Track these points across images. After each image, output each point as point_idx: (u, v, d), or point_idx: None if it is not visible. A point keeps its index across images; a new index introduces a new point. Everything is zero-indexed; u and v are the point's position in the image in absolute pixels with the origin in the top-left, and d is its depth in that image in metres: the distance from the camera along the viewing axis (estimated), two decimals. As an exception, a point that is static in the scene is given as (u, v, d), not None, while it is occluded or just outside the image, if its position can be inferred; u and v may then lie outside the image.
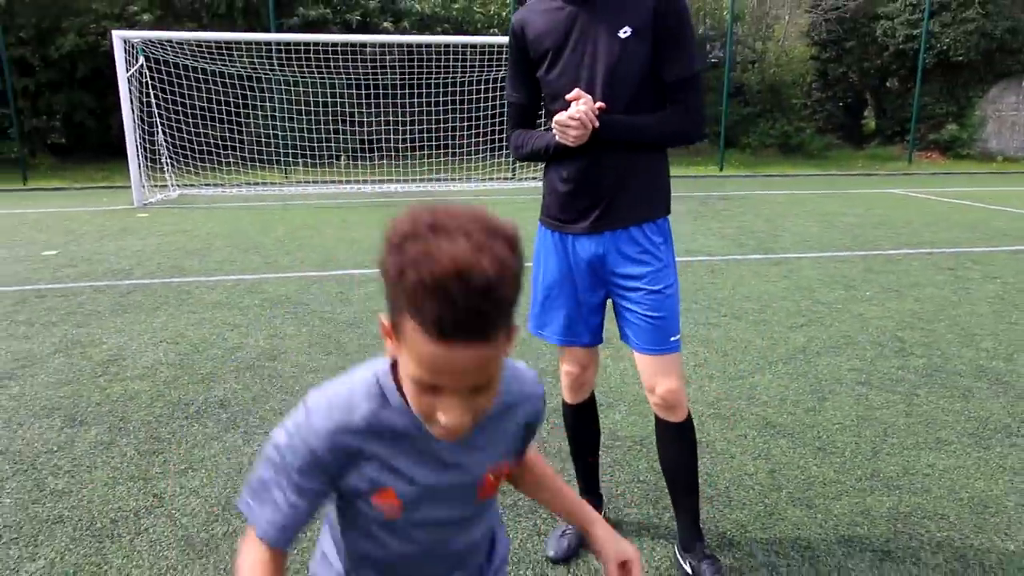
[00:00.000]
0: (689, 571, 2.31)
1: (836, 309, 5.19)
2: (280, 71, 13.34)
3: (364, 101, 13.31)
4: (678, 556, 2.41)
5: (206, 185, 12.39)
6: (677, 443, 2.33)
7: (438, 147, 13.50)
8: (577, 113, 1.95)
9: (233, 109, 12.75)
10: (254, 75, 12.90)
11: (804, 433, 3.26)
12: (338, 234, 8.40)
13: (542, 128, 2.32)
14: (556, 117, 2.03)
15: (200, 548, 2.46)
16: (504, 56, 12.46)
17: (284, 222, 9.35)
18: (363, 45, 12.80)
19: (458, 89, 12.98)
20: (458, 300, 0.73)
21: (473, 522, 1.23)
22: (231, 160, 12.92)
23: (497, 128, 13.07)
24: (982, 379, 3.84)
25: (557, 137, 2.05)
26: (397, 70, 13.08)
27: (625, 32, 2.04)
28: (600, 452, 2.61)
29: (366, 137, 13.73)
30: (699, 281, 5.98)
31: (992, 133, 18.49)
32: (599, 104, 2.00)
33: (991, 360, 4.13)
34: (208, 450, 3.17)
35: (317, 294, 5.72)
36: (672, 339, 2.17)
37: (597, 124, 1.99)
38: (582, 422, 2.56)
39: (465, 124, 13.18)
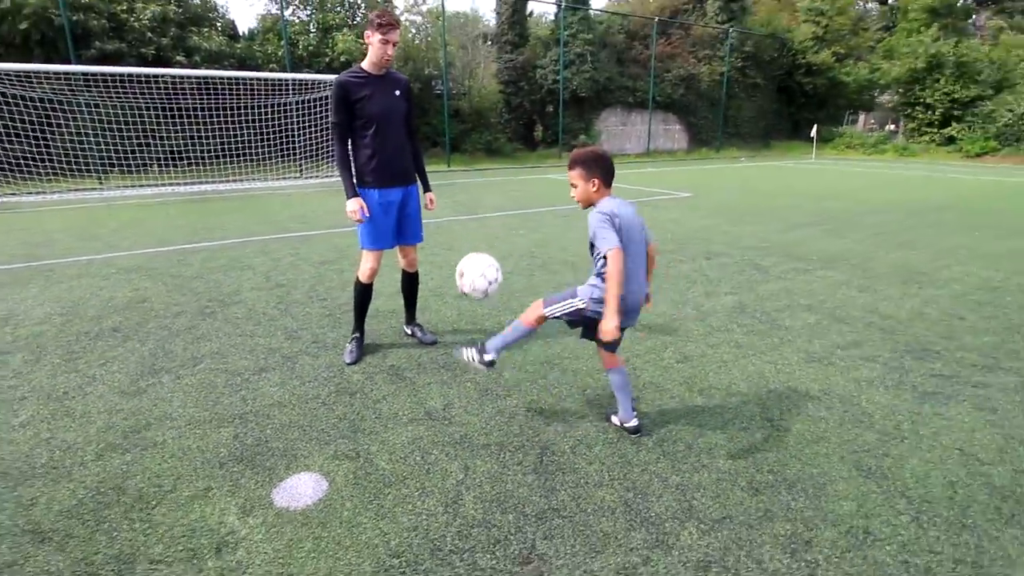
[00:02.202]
0: (410, 332, 3.54)
1: (505, 240, 6.49)
2: (83, 94, 11.64)
3: (166, 119, 12.14)
4: (404, 328, 3.61)
5: (27, 193, 10.57)
6: (411, 280, 3.50)
7: (237, 155, 12.77)
8: (359, 216, 3.01)
9: (40, 127, 10.85)
10: (56, 98, 11.07)
11: (488, 304, 4.71)
12: (166, 223, 7.85)
13: (350, 152, 3.06)
14: (348, 210, 3.00)
15: (132, 393, 2.85)
16: (278, 85, 12.55)
17: (113, 218, 8.31)
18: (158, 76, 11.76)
19: (247, 110, 12.46)
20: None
21: None
22: (45, 171, 11.02)
23: (284, 139, 12.78)
24: (572, 267, 5.41)
25: (350, 217, 3.03)
26: (194, 95, 12.09)
27: (397, 92, 3.07)
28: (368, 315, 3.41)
29: (172, 149, 12.51)
30: (430, 235, 6.56)
31: (604, 140, 21.57)
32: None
33: (576, 256, 5.72)
34: (116, 352, 3.37)
35: (162, 262, 5.53)
36: (421, 236, 3.37)
37: (367, 215, 3.03)
38: (367, 295, 3.33)
39: (258, 137, 12.71)
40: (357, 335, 3.38)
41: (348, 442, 2.47)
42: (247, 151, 13.05)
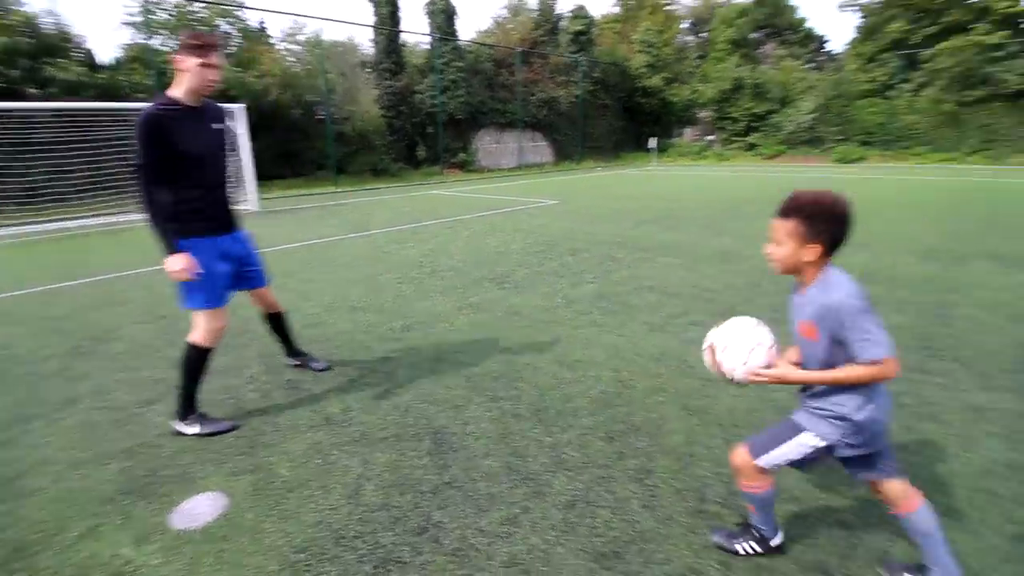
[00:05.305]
0: (297, 364, 3.17)
1: (392, 253, 6.41)
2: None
3: (21, 155, 10.50)
4: (287, 361, 3.17)
5: None
6: (278, 319, 3.04)
7: (105, 189, 11.04)
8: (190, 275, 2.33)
9: None
10: None
11: (380, 309, 4.37)
12: (28, 264, 6.81)
13: (170, 203, 2.36)
14: (174, 270, 2.28)
15: (1, 444, 2.71)
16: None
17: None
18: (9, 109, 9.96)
19: (114, 142, 11.00)
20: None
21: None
22: None
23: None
24: (458, 272, 5.66)
25: (173, 277, 2.34)
26: (52, 128, 10.41)
27: (215, 125, 2.49)
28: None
29: (30, 186, 10.78)
30: (321, 252, 6.67)
31: (481, 157, 22.00)
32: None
33: (462, 262, 5.76)
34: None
35: (26, 306, 4.84)
36: (266, 277, 2.82)
37: (201, 271, 2.35)
38: (208, 362, 2.59)
39: (127, 169, 11.40)
40: (201, 411, 2.62)
41: (247, 458, 2.37)
42: (116, 184, 11.50)
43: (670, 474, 2.12)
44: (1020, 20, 20.22)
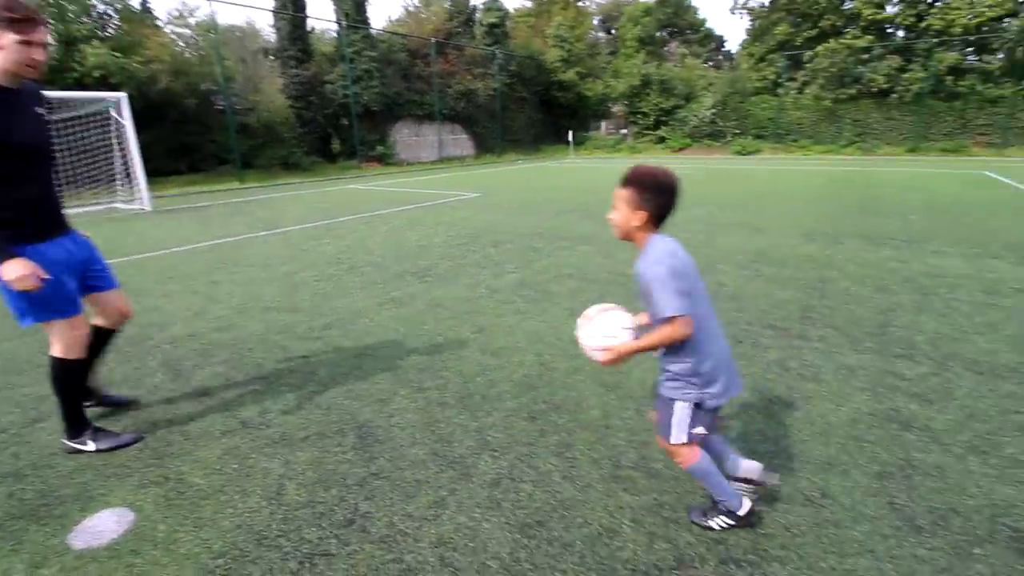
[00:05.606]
0: (94, 404, 2.64)
1: (308, 250, 6.16)
2: None
3: None
4: (105, 400, 2.68)
5: None
6: (107, 338, 2.56)
7: None
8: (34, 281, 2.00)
9: None
10: None
11: (296, 308, 4.19)
12: None
13: None
14: (14, 278, 1.95)
15: None
16: None
17: None
18: None
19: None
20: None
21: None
22: None
23: None
24: (379, 268, 5.58)
25: (15, 286, 1.98)
26: None
27: (39, 110, 2.17)
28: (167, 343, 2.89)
29: None
30: (229, 252, 6.27)
31: (400, 150, 21.53)
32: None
33: (382, 257, 5.71)
34: None
35: None
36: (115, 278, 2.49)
37: (46, 277, 2.05)
38: (84, 373, 2.41)
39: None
40: (96, 425, 2.43)
41: (155, 469, 2.23)
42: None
43: (588, 446, 2.27)
44: (885, 26, 23.04)
